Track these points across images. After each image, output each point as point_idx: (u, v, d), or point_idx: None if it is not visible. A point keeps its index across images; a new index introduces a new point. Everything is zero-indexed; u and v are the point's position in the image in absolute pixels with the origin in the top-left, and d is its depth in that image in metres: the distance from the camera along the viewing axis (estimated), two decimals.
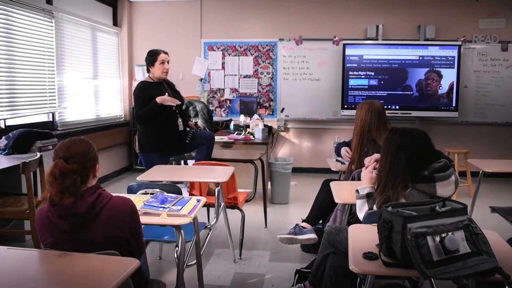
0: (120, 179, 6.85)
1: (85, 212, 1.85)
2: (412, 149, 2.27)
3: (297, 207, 5.39)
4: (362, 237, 2.06)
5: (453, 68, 6.72)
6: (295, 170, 6.70)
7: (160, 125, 4.12)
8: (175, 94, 4.26)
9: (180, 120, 4.20)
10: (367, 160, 2.64)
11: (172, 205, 2.45)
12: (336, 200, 2.76)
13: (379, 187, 2.34)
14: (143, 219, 2.27)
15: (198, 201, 2.60)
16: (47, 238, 1.90)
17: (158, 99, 4.00)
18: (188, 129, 4.44)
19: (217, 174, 3.42)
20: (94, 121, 6.48)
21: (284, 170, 5.42)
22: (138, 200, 2.52)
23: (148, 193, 2.73)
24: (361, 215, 2.43)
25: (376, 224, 2.18)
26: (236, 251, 3.84)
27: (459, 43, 6.82)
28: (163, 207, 2.41)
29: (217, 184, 3.29)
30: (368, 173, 2.57)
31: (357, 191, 2.59)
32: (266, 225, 4.67)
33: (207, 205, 3.88)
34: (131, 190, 2.92)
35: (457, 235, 1.76)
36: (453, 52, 6.73)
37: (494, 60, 6.96)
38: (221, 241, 4.10)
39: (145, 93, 4.09)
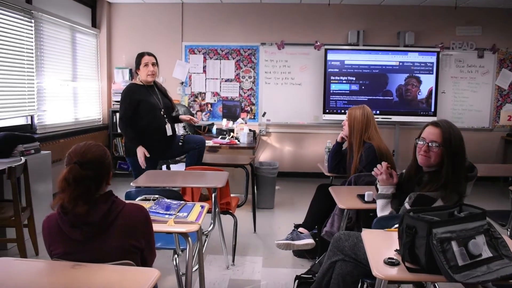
0: None
1: (99, 220, 1.76)
2: (463, 143, 2.33)
3: (283, 212, 5.37)
4: (378, 243, 2.03)
5: (432, 74, 6.85)
6: (278, 175, 6.66)
7: (147, 129, 4.01)
8: (166, 99, 4.17)
9: (168, 125, 4.09)
10: (378, 168, 2.61)
11: (178, 212, 2.38)
12: (340, 206, 2.75)
13: (447, 183, 2.28)
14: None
15: (202, 207, 2.54)
16: (57, 248, 1.79)
17: (138, 152, 3.93)
18: (181, 130, 4.35)
19: (212, 179, 3.35)
20: (73, 124, 6.29)
21: (270, 175, 5.39)
22: None
23: (148, 200, 2.65)
24: (382, 214, 2.42)
25: (390, 230, 2.18)
26: (229, 257, 3.77)
27: (438, 49, 6.95)
28: (169, 214, 2.34)
29: (213, 189, 3.22)
30: (386, 176, 2.55)
31: (376, 189, 2.58)
32: (255, 230, 4.62)
33: None
34: (130, 196, 2.83)
35: (479, 240, 1.76)
36: (432, 58, 6.86)
37: (470, 67, 7.13)
38: (213, 247, 4.02)
39: (132, 96, 3.98)
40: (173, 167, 5.76)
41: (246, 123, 6.00)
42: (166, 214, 2.34)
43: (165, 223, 2.27)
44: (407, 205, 2.34)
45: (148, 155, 3.91)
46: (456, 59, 7.12)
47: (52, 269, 1.74)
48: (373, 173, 2.56)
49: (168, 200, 2.59)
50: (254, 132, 6.30)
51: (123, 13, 7.24)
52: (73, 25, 6.28)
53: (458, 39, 7.11)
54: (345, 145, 3.80)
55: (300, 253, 3.87)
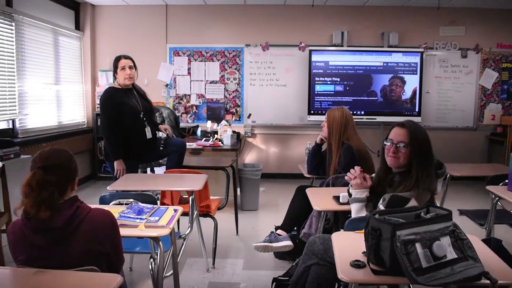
0: (84, 188, 6.64)
1: (63, 226, 1.75)
2: (429, 142, 2.38)
3: (267, 213, 5.36)
4: (347, 245, 2.04)
5: (416, 74, 6.88)
6: (263, 176, 6.63)
7: (126, 133, 3.99)
8: (145, 102, 4.15)
9: (148, 128, 4.08)
10: (352, 172, 2.61)
11: (149, 216, 2.37)
12: (314, 207, 2.75)
13: (418, 182, 2.31)
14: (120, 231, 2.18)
15: (175, 211, 2.53)
16: (21, 255, 1.77)
17: (116, 165, 3.92)
18: (161, 134, 4.34)
19: (190, 182, 3.34)
20: (56, 128, 6.25)
21: (254, 177, 5.38)
22: (114, 211, 2.42)
23: (122, 204, 2.64)
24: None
25: (360, 231, 2.19)
26: (209, 260, 3.76)
27: (421, 50, 6.99)
28: (140, 218, 2.33)
29: (190, 192, 3.21)
30: (360, 180, 2.55)
31: (349, 195, 2.58)
32: (237, 232, 4.61)
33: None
34: (104, 201, 2.81)
35: (444, 241, 1.77)
36: (416, 59, 6.89)
37: (454, 67, 7.17)
38: (193, 250, 4.01)
39: (110, 100, 3.95)
40: (158, 170, 5.74)
41: (230, 125, 6.00)
42: (137, 218, 2.33)
43: (136, 228, 2.26)
44: (381, 207, 2.34)
45: (124, 173, 3.90)
46: (440, 59, 7.16)
47: (14, 276, 1.73)
48: (346, 178, 2.56)
49: (142, 204, 2.58)
50: (238, 134, 6.30)
51: (107, 15, 7.20)
52: (55, 28, 6.24)
53: (442, 39, 7.15)
54: (324, 146, 3.81)
55: (281, 255, 3.87)
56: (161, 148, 4.14)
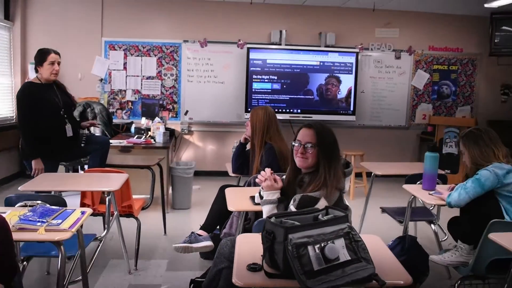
0: (10, 186, 6.35)
1: None
2: (336, 142, 2.40)
3: (199, 212, 5.29)
4: (250, 248, 2.03)
5: (351, 74, 7.03)
6: (199, 174, 6.64)
7: (45, 131, 3.84)
8: (66, 97, 4.00)
9: (68, 125, 3.93)
10: (262, 174, 2.60)
11: (52, 219, 2.28)
12: (229, 207, 2.74)
13: (326, 181, 2.32)
14: (17, 236, 2.10)
15: (83, 213, 2.45)
16: None
17: (34, 164, 3.79)
18: (83, 131, 4.21)
19: (109, 182, 3.26)
20: None
21: (186, 175, 5.34)
22: (14, 214, 2.32)
23: (28, 206, 2.53)
24: None
25: None
26: (132, 261, 3.69)
27: (357, 50, 7.14)
28: (42, 222, 2.23)
29: (108, 193, 3.13)
30: (271, 182, 2.54)
31: (260, 197, 2.57)
32: (165, 232, 4.55)
33: (102, 214, 3.69)
34: (9, 203, 2.69)
35: (337, 243, 1.79)
36: (351, 59, 7.03)
37: (388, 67, 7.38)
38: (117, 251, 3.91)
39: (28, 96, 3.78)
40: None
41: (164, 122, 5.92)
42: (38, 221, 2.23)
43: (35, 232, 2.17)
44: (292, 208, 2.36)
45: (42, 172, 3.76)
46: (375, 60, 7.35)
47: None
48: (257, 180, 2.55)
49: (48, 206, 2.48)
50: (172, 131, 6.23)
51: (40, 5, 6.90)
52: None
53: (377, 41, 7.34)
54: (248, 146, 3.81)
55: (206, 255, 3.83)
56: (82, 146, 4.01)
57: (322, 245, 1.75)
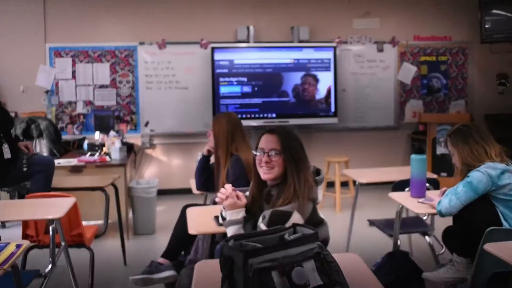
0: None
1: None
2: (303, 147, 2.37)
3: (166, 237, 5.16)
4: (211, 277, 1.96)
5: (330, 71, 7.03)
6: (164, 193, 6.54)
7: None
8: (1, 114, 3.90)
9: (5, 145, 3.83)
10: (222, 191, 2.54)
11: None
12: (189, 231, 2.68)
13: (297, 192, 2.29)
14: None
15: (18, 246, 2.35)
16: None
17: None
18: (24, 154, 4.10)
19: (53, 208, 3.14)
20: None
21: (147, 195, 5.25)
22: None
23: None
24: None
25: None
26: None
27: (334, 44, 7.15)
28: None
29: (51, 221, 3.03)
30: (233, 199, 2.48)
31: (222, 218, 2.51)
32: (125, 262, 4.45)
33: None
34: None
35: (307, 266, 1.73)
36: (329, 54, 7.04)
37: (370, 62, 7.41)
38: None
39: None
40: None
41: (120, 136, 5.82)
42: None
43: None
44: (262, 226, 2.30)
45: None
46: (355, 54, 7.37)
47: None
48: (217, 199, 2.49)
49: None
50: (131, 145, 6.14)
51: None
52: None
53: (356, 33, 7.37)
54: (212, 159, 3.75)
55: (172, 286, 3.76)
56: (24, 169, 3.91)
57: (288, 269, 1.70)
